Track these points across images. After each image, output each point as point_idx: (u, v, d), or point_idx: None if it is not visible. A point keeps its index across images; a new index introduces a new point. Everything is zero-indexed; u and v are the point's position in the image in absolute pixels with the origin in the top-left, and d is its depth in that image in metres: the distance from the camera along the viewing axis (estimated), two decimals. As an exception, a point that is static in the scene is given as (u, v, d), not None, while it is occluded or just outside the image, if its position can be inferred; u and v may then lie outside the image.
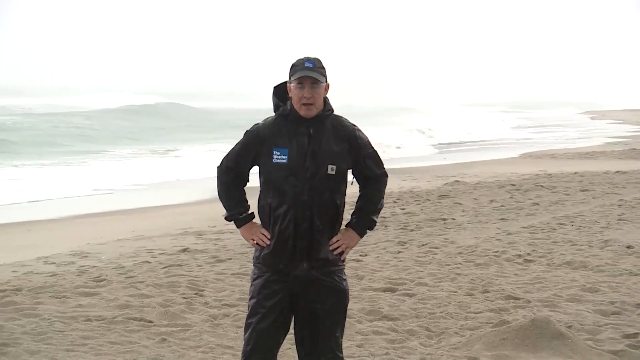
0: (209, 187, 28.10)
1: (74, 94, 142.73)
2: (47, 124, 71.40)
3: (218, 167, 7.23)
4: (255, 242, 7.04)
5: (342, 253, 7.09)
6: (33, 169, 36.78)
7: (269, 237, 6.99)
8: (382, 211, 7.12)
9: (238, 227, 7.19)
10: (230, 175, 7.17)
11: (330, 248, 6.95)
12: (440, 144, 56.46)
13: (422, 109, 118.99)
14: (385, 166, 7.09)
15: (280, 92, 7.11)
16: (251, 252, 7.26)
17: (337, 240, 6.97)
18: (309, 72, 6.89)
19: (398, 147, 51.24)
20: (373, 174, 7.11)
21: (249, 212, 7.14)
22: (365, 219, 7.08)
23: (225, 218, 7.25)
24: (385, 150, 48.89)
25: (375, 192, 7.13)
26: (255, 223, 7.10)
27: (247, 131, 7.12)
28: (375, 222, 7.13)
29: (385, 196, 7.14)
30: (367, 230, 7.13)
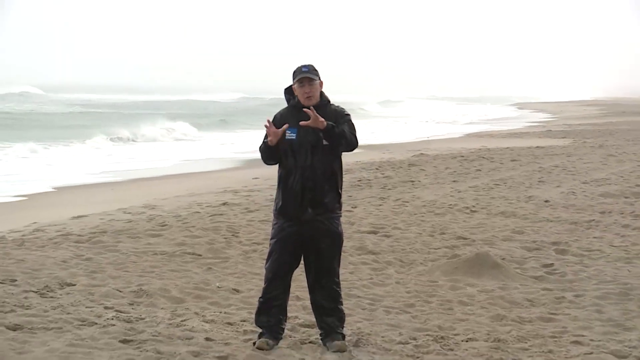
0: (242, 158, 28.16)
1: (211, 92, 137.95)
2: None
3: (259, 147, 7.27)
4: (272, 132, 7.03)
5: (338, 204, 7.18)
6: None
7: (276, 131, 7.01)
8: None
9: (267, 143, 7.12)
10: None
11: (308, 112, 6.89)
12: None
13: (396, 100, 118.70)
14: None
15: (288, 92, 7.27)
16: (273, 204, 7.26)
17: (315, 115, 6.91)
18: (305, 74, 7.10)
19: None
20: (347, 130, 7.11)
21: (266, 139, 7.13)
22: (335, 126, 6.98)
23: (262, 150, 7.20)
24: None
25: (347, 131, 7.06)
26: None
27: (272, 118, 7.23)
28: (337, 132, 6.97)
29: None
30: (330, 130, 6.94)
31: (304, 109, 6.97)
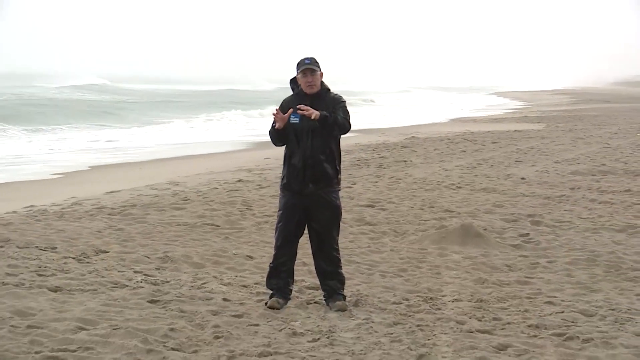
0: (255, 140, 28.10)
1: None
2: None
3: (269, 131, 7.30)
4: (275, 113, 7.09)
5: (337, 179, 7.21)
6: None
7: (282, 116, 7.04)
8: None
9: (275, 127, 7.15)
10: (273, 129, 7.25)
11: (301, 108, 6.96)
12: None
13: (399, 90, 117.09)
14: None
15: (293, 82, 7.27)
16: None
17: (308, 109, 6.96)
18: (308, 65, 7.10)
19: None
20: (340, 117, 7.11)
21: (274, 123, 7.15)
22: (328, 115, 7.02)
23: (271, 133, 7.23)
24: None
25: (339, 117, 7.07)
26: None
27: (279, 106, 7.25)
28: (330, 122, 7.02)
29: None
30: (324, 120, 6.98)
31: (298, 105, 7.00)
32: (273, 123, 7.18)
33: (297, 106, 7.01)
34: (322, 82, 7.21)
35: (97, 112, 46.93)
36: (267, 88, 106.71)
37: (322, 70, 7.19)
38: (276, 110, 7.13)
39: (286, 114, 7.07)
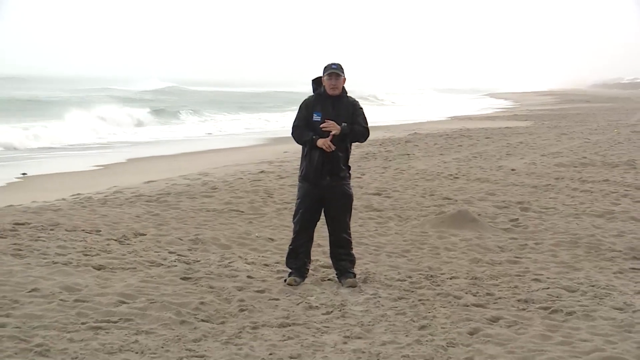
0: (275, 136, 28.08)
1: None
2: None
3: (292, 127, 7.22)
4: (327, 145, 6.96)
5: (348, 174, 7.21)
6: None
7: (330, 142, 6.97)
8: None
9: (315, 143, 7.03)
10: (299, 128, 7.16)
11: (324, 123, 6.95)
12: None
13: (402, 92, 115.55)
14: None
15: (315, 82, 7.23)
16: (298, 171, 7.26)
17: (331, 123, 6.96)
18: (334, 70, 7.07)
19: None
20: (360, 125, 7.12)
21: (314, 135, 7.04)
22: (350, 127, 7.02)
23: (307, 142, 7.10)
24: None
25: (359, 127, 7.09)
26: (321, 137, 7.01)
27: (301, 103, 7.24)
28: (350, 138, 7.09)
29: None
30: (345, 132, 7.00)
31: (321, 125, 6.97)
32: (296, 122, 7.15)
33: (321, 126, 6.98)
34: (343, 87, 7.16)
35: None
36: (302, 90, 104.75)
37: (345, 76, 7.14)
38: (329, 141, 6.99)
39: (328, 147, 6.96)
